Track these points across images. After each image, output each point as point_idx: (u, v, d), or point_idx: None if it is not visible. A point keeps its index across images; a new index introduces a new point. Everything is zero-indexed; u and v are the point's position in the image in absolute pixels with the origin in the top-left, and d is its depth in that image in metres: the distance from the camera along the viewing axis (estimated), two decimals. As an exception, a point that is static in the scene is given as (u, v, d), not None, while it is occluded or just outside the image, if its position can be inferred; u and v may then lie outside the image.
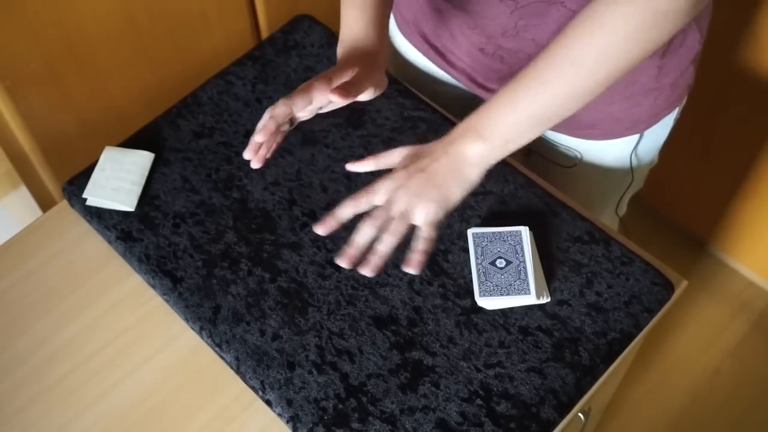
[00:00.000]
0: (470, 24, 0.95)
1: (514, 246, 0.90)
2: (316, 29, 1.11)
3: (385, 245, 0.79)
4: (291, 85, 1.06)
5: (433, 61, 1.08)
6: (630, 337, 0.88)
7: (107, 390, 0.87)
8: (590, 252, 0.92)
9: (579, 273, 0.91)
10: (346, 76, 0.84)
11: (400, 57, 1.15)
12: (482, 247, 0.90)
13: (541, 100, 0.76)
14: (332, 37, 1.11)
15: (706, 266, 1.89)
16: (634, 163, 1.07)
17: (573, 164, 1.08)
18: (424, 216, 0.79)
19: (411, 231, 0.81)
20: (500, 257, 0.89)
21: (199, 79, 1.08)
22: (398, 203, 0.79)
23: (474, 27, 0.95)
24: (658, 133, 1.04)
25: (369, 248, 0.80)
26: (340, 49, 0.88)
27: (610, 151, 1.05)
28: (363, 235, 0.79)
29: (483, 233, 0.91)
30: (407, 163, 0.81)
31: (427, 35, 1.05)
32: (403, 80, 1.09)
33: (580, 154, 1.06)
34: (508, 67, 0.97)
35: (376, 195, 0.80)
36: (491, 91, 1.03)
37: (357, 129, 1.02)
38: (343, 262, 0.79)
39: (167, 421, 0.85)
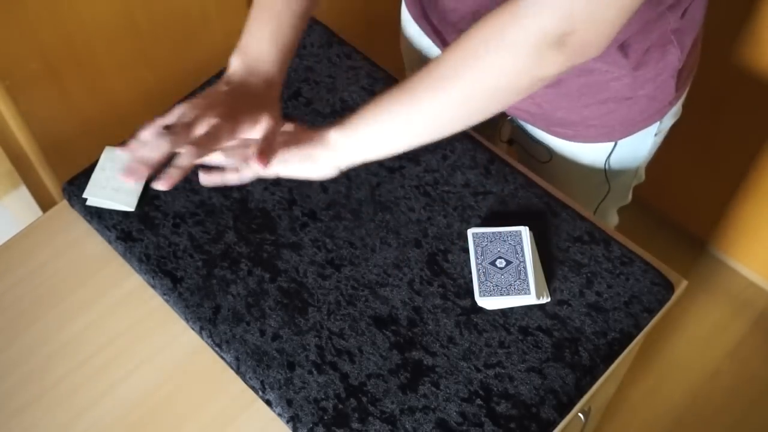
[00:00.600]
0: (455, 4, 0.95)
1: (514, 246, 0.90)
2: (316, 29, 1.11)
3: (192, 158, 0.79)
4: (290, 85, 1.06)
5: (433, 42, 1.08)
6: (630, 337, 0.88)
7: (107, 390, 0.87)
8: (590, 252, 0.92)
9: (579, 273, 0.91)
10: (245, 117, 0.82)
11: (406, 38, 1.16)
12: (482, 247, 0.90)
13: (390, 130, 0.78)
14: (332, 37, 1.11)
15: (706, 266, 1.89)
16: (609, 172, 1.07)
17: (547, 159, 1.08)
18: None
19: None
20: (500, 257, 0.89)
21: (199, 79, 1.08)
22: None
23: (457, 2, 0.94)
24: (636, 146, 1.04)
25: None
26: (234, 61, 0.85)
27: (583, 155, 1.05)
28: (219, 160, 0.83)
29: (483, 233, 0.91)
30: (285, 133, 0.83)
31: (428, 13, 1.04)
32: (408, 61, 1.09)
33: (553, 151, 1.06)
34: None
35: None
36: None
37: (357, 129, 1.02)
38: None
39: (167, 421, 0.85)
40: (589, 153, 1.04)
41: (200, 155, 0.79)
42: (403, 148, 0.80)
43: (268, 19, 0.86)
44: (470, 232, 0.92)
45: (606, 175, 1.08)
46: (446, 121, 0.77)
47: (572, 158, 1.06)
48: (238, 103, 0.83)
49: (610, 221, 1.21)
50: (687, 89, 1.03)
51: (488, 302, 0.88)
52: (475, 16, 0.90)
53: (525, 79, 0.72)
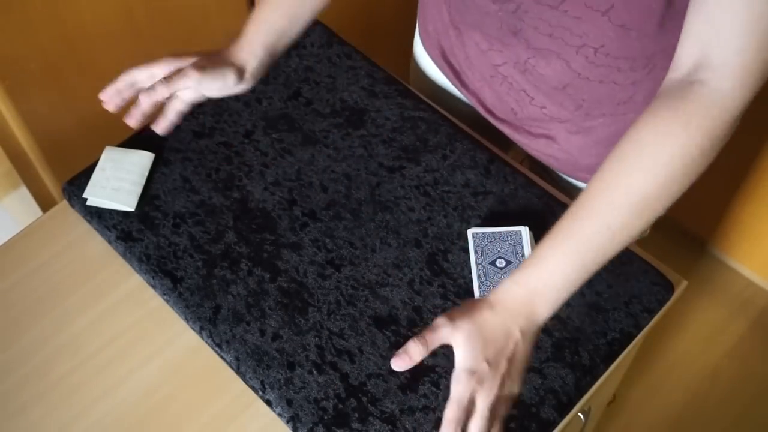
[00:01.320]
0: (483, 48, 0.95)
1: (514, 246, 0.90)
2: (316, 29, 1.12)
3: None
4: (290, 85, 1.06)
5: (449, 79, 1.08)
6: (630, 337, 0.88)
7: (107, 390, 0.87)
8: (590, 252, 0.92)
9: (579, 273, 0.91)
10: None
11: (419, 70, 1.15)
12: (482, 247, 0.90)
13: (606, 249, 0.73)
14: (332, 37, 1.11)
15: (706, 266, 1.89)
16: None
17: None
18: (507, 402, 0.75)
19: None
20: (500, 257, 0.89)
21: (199, 79, 1.07)
22: (491, 400, 0.72)
23: (486, 52, 0.95)
24: None
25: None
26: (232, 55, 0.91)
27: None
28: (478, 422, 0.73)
29: (483, 233, 0.91)
30: (487, 354, 0.72)
31: (446, 52, 1.04)
32: (419, 93, 1.09)
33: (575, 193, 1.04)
34: (510, 102, 0.97)
35: (462, 408, 0.71)
36: (498, 119, 1.03)
37: (357, 129, 1.02)
38: None
39: (167, 420, 0.85)
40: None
41: (171, 88, 0.86)
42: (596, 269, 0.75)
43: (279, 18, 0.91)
44: (470, 232, 0.92)
45: None
46: (637, 232, 0.74)
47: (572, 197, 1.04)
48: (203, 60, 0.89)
49: None
50: None
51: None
52: (516, 67, 0.92)
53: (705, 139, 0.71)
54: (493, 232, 0.91)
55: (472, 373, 0.71)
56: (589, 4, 0.79)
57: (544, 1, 0.81)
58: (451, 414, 0.70)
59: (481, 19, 0.91)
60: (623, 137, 0.72)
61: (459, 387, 0.71)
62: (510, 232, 0.91)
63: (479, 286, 0.88)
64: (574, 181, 1.05)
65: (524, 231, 0.91)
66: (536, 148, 1.02)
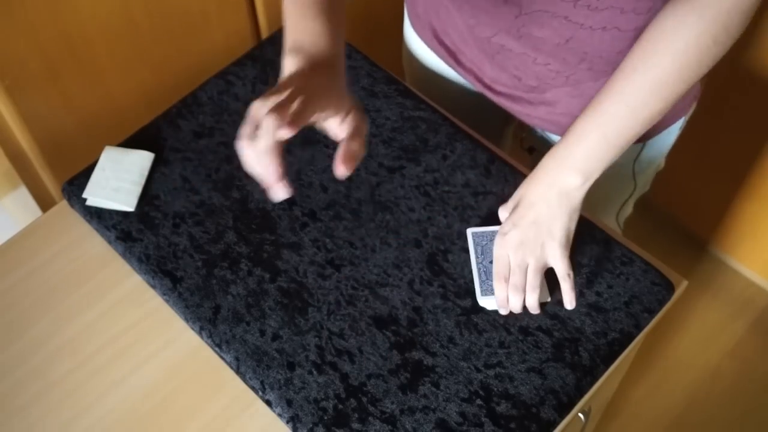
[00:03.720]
0: (473, 22, 0.94)
1: None
2: (316, 29, 1.11)
3: (533, 300, 0.86)
4: (291, 85, 1.06)
5: (443, 59, 1.07)
6: (630, 337, 0.88)
7: (107, 390, 0.87)
8: (590, 252, 0.92)
9: (579, 273, 0.91)
10: (297, 102, 0.72)
11: (410, 55, 1.15)
12: (482, 246, 0.90)
13: (610, 129, 0.82)
14: (332, 37, 1.11)
15: (707, 266, 1.89)
16: (637, 170, 1.07)
17: None
18: (557, 259, 0.85)
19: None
20: None
21: (199, 79, 1.08)
22: (527, 261, 0.85)
23: (476, 25, 0.94)
24: (662, 141, 1.04)
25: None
26: (291, 60, 0.75)
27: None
28: (513, 302, 0.87)
29: (483, 233, 0.91)
30: (514, 220, 0.86)
31: (438, 32, 1.04)
32: (411, 77, 1.09)
33: None
34: (511, 70, 0.97)
35: (505, 265, 0.86)
36: (496, 93, 1.03)
37: (357, 129, 1.02)
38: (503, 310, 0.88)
39: (167, 421, 0.85)
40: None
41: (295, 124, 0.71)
42: (629, 141, 0.83)
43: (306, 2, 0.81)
44: (470, 231, 0.92)
45: (633, 174, 1.08)
46: (665, 108, 0.82)
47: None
48: (313, 97, 0.73)
49: (627, 212, 1.20)
50: None
51: (489, 302, 0.88)
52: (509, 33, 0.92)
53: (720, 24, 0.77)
54: (492, 231, 0.91)
55: (503, 235, 0.86)
56: None
57: None
58: (494, 269, 0.87)
59: None
60: (646, 28, 0.80)
61: (495, 247, 0.87)
62: None
63: (480, 285, 0.88)
64: None
65: None
66: (537, 115, 1.02)
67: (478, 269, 0.89)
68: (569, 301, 0.86)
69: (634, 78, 0.80)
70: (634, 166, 1.06)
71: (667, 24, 0.78)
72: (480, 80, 1.03)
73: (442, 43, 1.05)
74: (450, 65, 1.07)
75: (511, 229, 0.86)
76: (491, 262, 0.89)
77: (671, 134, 1.04)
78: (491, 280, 0.88)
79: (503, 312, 0.88)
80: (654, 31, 0.79)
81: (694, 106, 1.03)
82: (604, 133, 0.82)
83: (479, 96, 1.08)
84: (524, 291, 0.86)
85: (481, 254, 0.90)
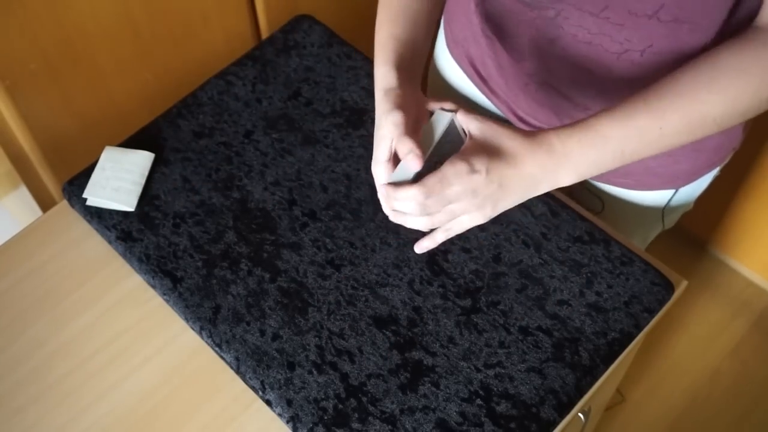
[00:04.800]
0: (518, 58, 0.92)
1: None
2: (316, 29, 1.11)
3: (413, 224, 0.75)
4: (290, 85, 1.06)
5: (477, 86, 1.05)
6: (630, 337, 0.88)
7: (107, 390, 0.87)
8: (590, 252, 0.92)
9: (579, 273, 0.91)
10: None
11: (441, 78, 1.12)
12: (445, 140, 0.75)
13: (633, 143, 0.73)
14: (332, 36, 1.11)
15: (707, 266, 1.89)
16: (666, 213, 1.04)
17: (599, 210, 1.05)
18: (468, 224, 0.75)
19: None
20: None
21: (199, 79, 1.08)
22: (458, 205, 0.73)
23: (520, 61, 0.92)
24: (695, 187, 1.01)
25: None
26: (395, 96, 0.75)
27: (641, 201, 1.01)
28: (406, 208, 0.73)
29: (455, 127, 0.75)
30: (489, 164, 0.71)
31: (474, 60, 1.01)
32: (434, 93, 1.06)
33: (607, 199, 1.03)
34: (549, 103, 0.94)
35: (449, 189, 0.71)
36: (531, 126, 1.00)
37: (357, 129, 1.02)
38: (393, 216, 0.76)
39: (167, 421, 0.85)
40: (648, 199, 1.01)
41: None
42: (634, 159, 0.75)
43: (398, 36, 0.80)
44: (452, 116, 0.75)
45: (662, 216, 1.05)
46: (680, 144, 0.75)
47: (628, 206, 1.02)
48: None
49: (648, 242, 1.17)
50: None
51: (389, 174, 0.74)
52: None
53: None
54: (458, 134, 0.76)
55: (471, 169, 0.71)
56: (634, 9, 0.76)
57: (586, 7, 0.79)
58: (430, 181, 0.71)
59: (515, 27, 0.88)
60: (700, 56, 0.74)
61: (451, 168, 0.71)
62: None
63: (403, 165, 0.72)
64: (606, 186, 1.02)
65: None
66: None
67: (429, 159, 0.73)
68: (422, 247, 0.78)
69: (678, 105, 0.72)
70: (663, 210, 1.03)
71: (730, 63, 0.72)
72: (514, 113, 1.01)
73: (477, 72, 1.02)
74: (484, 93, 1.04)
75: (480, 170, 0.71)
76: (438, 161, 0.74)
77: (705, 181, 1.00)
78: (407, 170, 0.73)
79: (385, 198, 0.74)
80: (711, 66, 0.73)
81: (731, 155, 0.99)
82: (624, 147, 0.74)
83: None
84: (422, 220, 0.74)
85: (437, 150, 0.74)
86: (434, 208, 0.72)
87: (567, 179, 0.74)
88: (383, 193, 0.74)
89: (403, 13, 0.81)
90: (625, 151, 0.74)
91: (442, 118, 0.74)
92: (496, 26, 0.92)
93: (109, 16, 1.17)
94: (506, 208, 0.75)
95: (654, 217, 1.05)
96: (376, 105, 0.76)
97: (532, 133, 0.73)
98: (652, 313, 0.89)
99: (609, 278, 0.91)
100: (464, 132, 0.75)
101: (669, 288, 0.90)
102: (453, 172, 0.70)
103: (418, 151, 0.70)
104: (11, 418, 0.85)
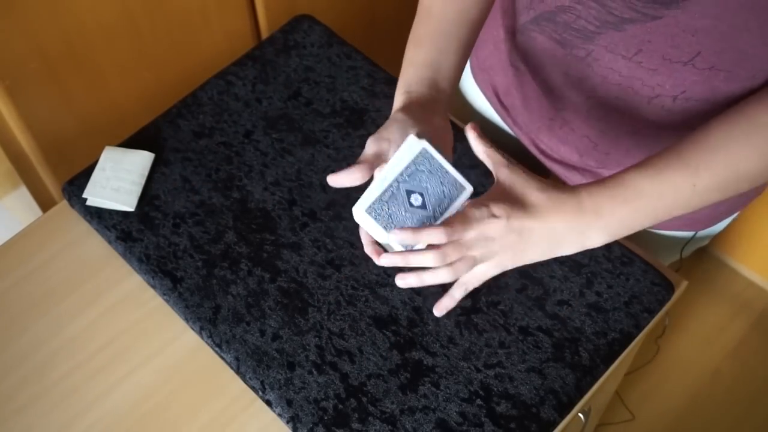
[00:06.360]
0: (545, 93, 0.91)
1: (445, 196, 0.74)
2: (316, 29, 1.11)
3: (435, 279, 0.72)
4: (290, 85, 1.06)
5: (498, 114, 1.03)
6: (630, 337, 0.88)
7: (107, 390, 0.87)
8: (590, 252, 0.92)
9: (579, 273, 0.91)
10: None
11: (464, 100, 1.11)
12: (417, 169, 0.72)
13: (666, 201, 0.70)
14: (332, 37, 1.11)
15: (707, 266, 1.89)
16: (684, 252, 1.03)
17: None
18: (483, 275, 0.72)
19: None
20: (422, 193, 0.73)
21: (199, 79, 1.08)
22: (475, 251, 0.70)
23: (547, 96, 0.91)
24: (714, 229, 1.00)
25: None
26: (406, 107, 0.74)
27: (660, 242, 1.00)
28: (426, 261, 0.70)
29: (433, 158, 0.73)
30: (509, 210, 0.69)
31: (498, 89, 1.00)
32: (463, 125, 1.06)
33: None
34: (573, 141, 0.93)
35: (468, 233, 0.69)
36: (552, 159, 0.98)
37: (357, 129, 1.02)
38: (400, 282, 0.73)
39: (167, 421, 0.85)
40: (667, 239, 1.00)
41: None
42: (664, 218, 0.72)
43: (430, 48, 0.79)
44: (425, 145, 0.72)
45: (681, 254, 1.03)
46: (713, 201, 0.71)
47: (646, 242, 1.00)
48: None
49: None
50: None
51: (363, 219, 0.72)
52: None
53: None
54: (441, 165, 0.73)
55: (489, 213, 0.69)
56: (668, 56, 0.74)
57: (618, 50, 0.77)
58: (449, 222, 0.69)
59: (545, 63, 0.87)
60: (732, 108, 0.70)
61: (473, 210, 0.69)
62: (455, 181, 0.74)
63: (375, 201, 0.71)
64: None
65: (467, 192, 0.75)
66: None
67: (391, 185, 0.71)
68: (442, 308, 0.76)
69: (712, 161, 0.69)
70: (682, 250, 1.02)
71: (763, 119, 0.69)
72: (536, 145, 0.99)
73: (500, 101, 1.01)
74: (506, 122, 1.03)
75: (501, 216, 0.69)
76: (409, 191, 0.72)
77: (724, 223, 0.99)
78: (389, 208, 0.71)
79: (395, 252, 0.72)
80: (746, 119, 0.69)
81: (754, 200, 0.97)
82: (657, 204, 0.69)
83: (533, 159, 1.02)
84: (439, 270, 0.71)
85: (409, 176, 0.72)
86: (454, 256, 0.69)
87: (597, 239, 0.71)
88: (398, 236, 0.69)
89: (430, 36, 0.79)
90: (658, 209, 0.70)
91: (413, 144, 0.72)
92: (526, 60, 0.90)
93: (109, 16, 1.17)
94: (527, 263, 0.71)
95: (673, 251, 1.04)
96: None
97: (561, 187, 0.70)
98: (652, 313, 0.89)
99: (609, 278, 0.91)
100: (448, 161, 0.74)
101: (669, 288, 0.90)
102: (476, 214, 0.69)
103: (357, 173, 0.69)
104: (12, 417, 0.85)
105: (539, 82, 0.90)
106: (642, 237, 1.01)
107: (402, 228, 0.69)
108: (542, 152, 0.99)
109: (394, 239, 0.69)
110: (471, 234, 0.69)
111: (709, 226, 0.98)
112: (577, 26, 0.79)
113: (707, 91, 0.77)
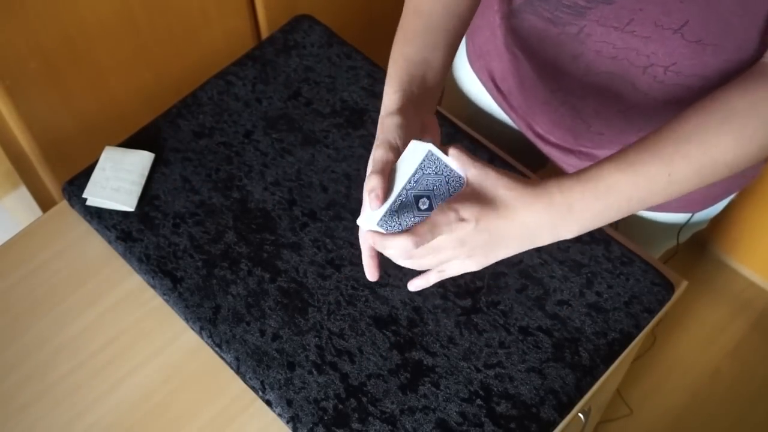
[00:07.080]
0: (540, 74, 0.91)
1: (449, 193, 0.74)
2: (316, 29, 1.11)
3: (404, 264, 0.73)
4: (290, 85, 1.06)
5: (495, 100, 1.04)
6: (630, 337, 0.88)
7: (107, 390, 0.87)
8: (590, 252, 0.92)
9: (579, 273, 0.91)
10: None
11: (458, 89, 1.11)
12: (423, 173, 0.72)
13: (640, 192, 0.69)
14: (332, 37, 1.11)
15: (706, 266, 1.89)
16: (681, 234, 1.03)
17: (613, 228, 1.04)
18: (460, 269, 0.73)
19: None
20: (428, 197, 0.73)
21: (199, 79, 1.08)
22: (445, 253, 0.71)
23: (543, 78, 0.91)
24: (711, 211, 1.00)
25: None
26: (390, 125, 0.73)
27: (657, 221, 1.01)
28: (397, 259, 0.73)
29: (438, 159, 0.72)
30: (478, 213, 0.69)
31: (495, 74, 1.01)
32: (459, 116, 1.06)
33: (618, 221, 1.03)
34: (567, 123, 0.94)
35: (436, 239, 0.70)
36: (548, 142, 1.00)
37: (357, 129, 1.02)
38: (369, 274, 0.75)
39: (167, 420, 0.85)
40: (664, 219, 1.00)
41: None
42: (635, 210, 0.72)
43: (424, 43, 0.78)
44: (430, 147, 0.72)
45: (678, 237, 1.04)
46: (689, 189, 0.71)
47: (644, 225, 1.01)
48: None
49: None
50: None
51: (368, 226, 0.72)
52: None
53: None
54: (446, 165, 0.72)
55: (459, 218, 0.69)
56: (660, 22, 0.75)
57: (609, 22, 0.78)
58: (415, 231, 0.68)
59: (539, 44, 0.87)
60: (709, 96, 0.70)
61: (440, 216, 0.69)
62: (459, 178, 0.73)
63: (385, 213, 0.71)
64: None
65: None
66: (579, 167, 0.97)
67: (399, 195, 0.71)
68: (416, 285, 0.77)
69: (687, 150, 0.68)
70: (679, 232, 1.03)
71: (739, 105, 0.69)
72: (532, 129, 1.00)
73: (497, 86, 1.02)
74: (503, 108, 1.03)
75: (470, 219, 0.69)
76: (417, 196, 0.72)
77: (722, 204, 1.00)
78: (400, 218, 0.72)
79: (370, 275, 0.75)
80: (722, 106, 0.69)
81: (751, 181, 0.97)
82: (631, 196, 0.69)
83: (530, 144, 1.04)
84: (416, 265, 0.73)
85: (416, 182, 0.72)
86: (420, 255, 0.71)
87: (568, 233, 0.71)
88: (368, 240, 0.71)
89: (419, 33, 0.79)
90: (632, 201, 0.70)
91: (418, 148, 0.71)
92: (521, 42, 0.91)
93: (109, 15, 1.17)
94: (503, 257, 0.72)
95: (669, 235, 1.04)
96: (377, 129, 0.74)
97: (531, 183, 0.70)
98: (652, 313, 0.89)
99: (609, 278, 0.91)
100: (450, 159, 0.73)
101: (669, 288, 0.91)
102: (443, 220, 0.68)
103: (379, 192, 0.69)
104: (12, 417, 0.85)
105: (534, 65, 0.91)
106: (637, 222, 1.02)
107: (373, 232, 0.70)
108: (538, 136, 1.00)
109: (365, 241, 0.71)
110: (441, 238, 0.69)
111: (704, 208, 0.98)
112: (568, 2, 0.80)
113: (697, 66, 0.78)
